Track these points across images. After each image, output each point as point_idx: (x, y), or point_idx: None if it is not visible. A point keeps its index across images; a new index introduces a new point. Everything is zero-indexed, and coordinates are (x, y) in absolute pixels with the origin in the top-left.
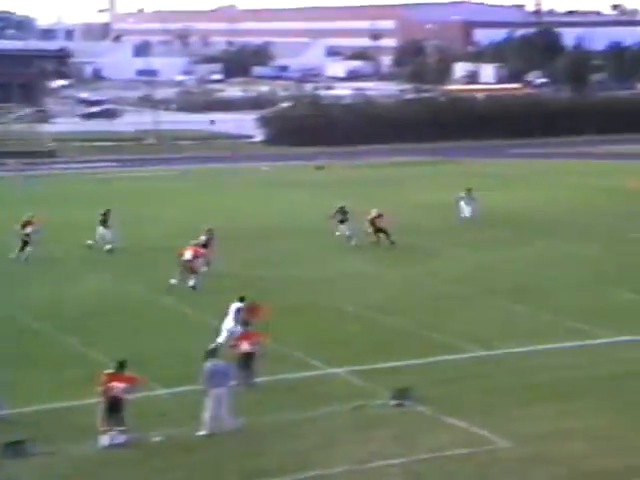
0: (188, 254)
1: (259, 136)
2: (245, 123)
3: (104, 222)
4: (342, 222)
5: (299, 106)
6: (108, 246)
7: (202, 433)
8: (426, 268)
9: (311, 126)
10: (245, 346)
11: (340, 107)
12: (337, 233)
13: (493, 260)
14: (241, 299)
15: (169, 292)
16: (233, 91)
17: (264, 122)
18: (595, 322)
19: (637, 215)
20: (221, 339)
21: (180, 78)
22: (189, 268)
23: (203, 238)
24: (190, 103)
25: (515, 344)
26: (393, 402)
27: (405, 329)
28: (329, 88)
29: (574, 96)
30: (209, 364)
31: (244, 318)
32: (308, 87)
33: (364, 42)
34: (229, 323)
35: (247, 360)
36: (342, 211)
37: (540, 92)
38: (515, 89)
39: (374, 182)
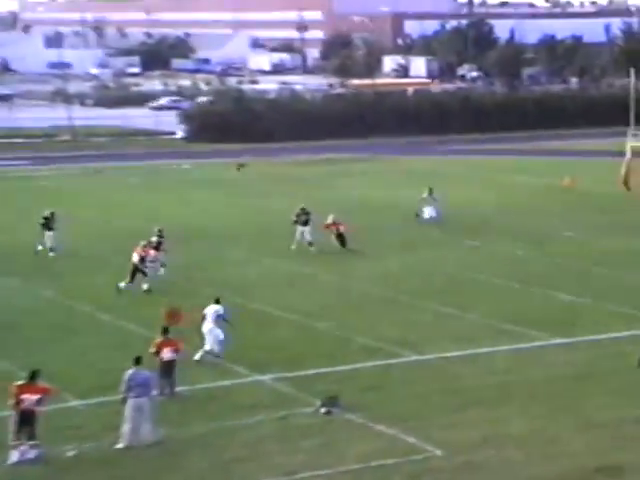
0: (135, 256)
1: (180, 133)
2: (165, 119)
3: (48, 226)
4: (306, 223)
5: (221, 101)
6: (51, 253)
7: (120, 446)
8: (355, 270)
9: (234, 122)
10: (166, 354)
11: (265, 102)
12: (297, 238)
13: (422, 261)
14: (217, 301)
15: (118, 295)
16: (151, 85)
17: (185, 118)
18: (528, 324)
19: (571, 214)
20: (208, 346)
21: (95, 71)
22: (138, 271)
23: (154, 239)
24: (106, 98)
25: (445, 348)
26: (321, 410)
27: (333, 333)
28: (253, 82)
29: (507, 90)
30: (131, 371)
31: (164, 325)
32: (231, 81)
33: (290, 34)
34: (208, 326)
35: (167, 368)
36: (304, 212)
37: (472, 86)
38: (427, 84)
39: (301, 181)
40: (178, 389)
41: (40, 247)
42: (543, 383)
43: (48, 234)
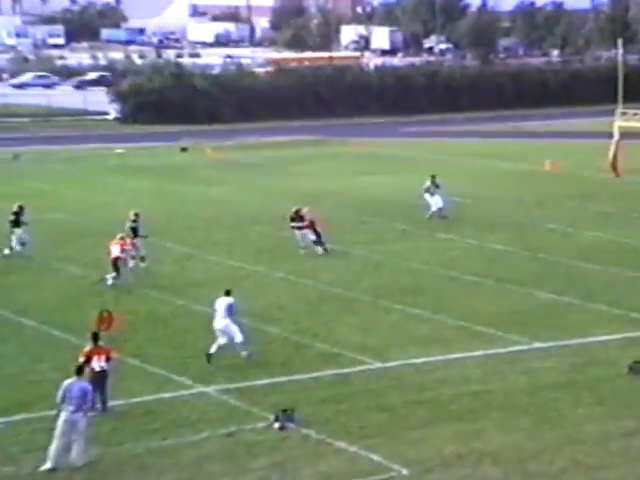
0: (116, 249)
1: (112, 113)
2: (95, 97)
3: (17, 222)
4: (300, 229)
5: (159, 77)
6: (19, 247)
7: (46, 467)
8: (312, 267)
9: (174, 101)
10: (96, 364)
11: (208, 78)
12: (300, 242)
13: (385, 257)
14: (227, 293)
15: (104, 289)
16: (78, 58)
17: (117, 96)
18: (506, 327)
19: (554, 203)
20: (222, 340)
21: (12, 42)
22: (116, 265)
23: (128, 226)
24: (25, 72)
25: (412, 354)
26: (274, 425)
27: (288, 339)
28: (194, 55)
29: (480, 64)
30: (68, 382)
31: (94, 330)
32: (169, 54)
33: (236, 1)
34: (222, 322)
35: (99, 380)
36: (298, 215)
37: (441, 60)
38: (355, 57)
39: (250, 167)
40: (111, 403)
41: (7, 251)
42: (523, 393)
43: (19, 231)
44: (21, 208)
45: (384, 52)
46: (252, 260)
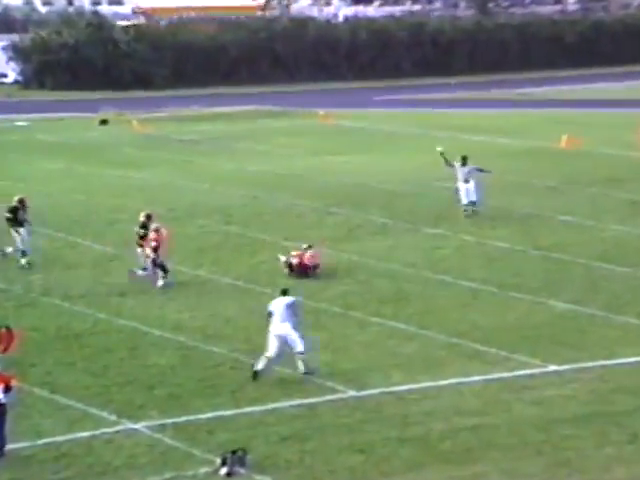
0: (149, 248)
1: (12, 75)
2: None
3: (15, 220)
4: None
5: (71, 30)
6: (23, 260)
7: None
8: (265, 269)
9: (91, 60)
10: None
11: (135, 32)
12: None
13: (359, 257)
14: (284, 292)
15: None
16: None
17: (17, 54)
18: (512, 345)
19: (572, 189)
20: (273, 351)
21: None
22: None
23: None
24: None
25: (394, 379)
26: (221, 471)
27: (239, 361)
28: (116, 2)
29: (476, 15)
30: None
31: None
32: (82, 0)
33: None
34: (282, 327)
35: None
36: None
37: (428, 10)
38: (249, 8)
39: (188, 144)
40: (11, 446)
41: (9, 249)
42: (533, 428)
43: (22, 231)
44: (22, 203)
45: (356, 0)
46: (192, 262)
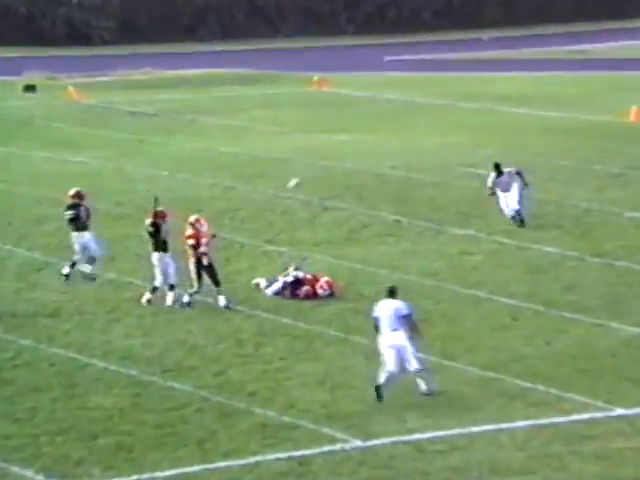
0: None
1: None
2: None
3: (78, 225)
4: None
5: None
6: (87, 267)
7: None
8: (242, 282)
9: (11, 7)
10: None
11: None
12: None
13: (363, 265)
14: (391, 292)
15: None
16: None
17: None
18: (565, 381)
19: (636, 175)
20: (392, 366)
21: None
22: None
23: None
24: None
25: (411, 425)
26: None
27: (205, 400)
28: None
29: None
30: None
31: None
32: None
33: None
34: (395, 337)
35: None
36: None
37: None
38: None
39: (138, 117)
40: None
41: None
42: None
43: (88, 236)
44: (80, 196)
45: None
46: (146, 272)
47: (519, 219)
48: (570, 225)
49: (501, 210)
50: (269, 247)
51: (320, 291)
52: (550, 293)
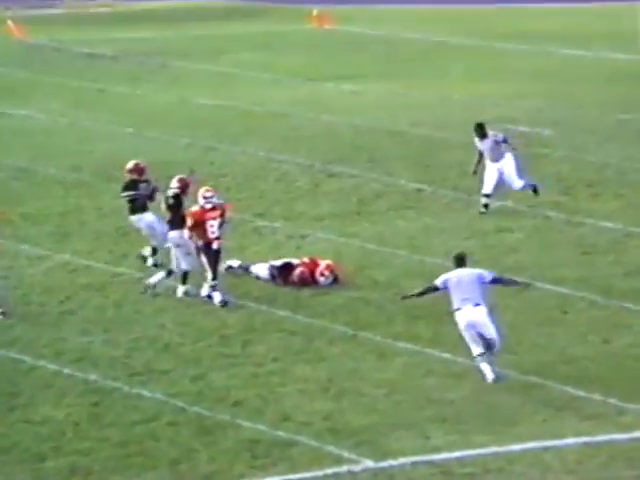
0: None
1: None
2: None
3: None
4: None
5: None
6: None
7: None
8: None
9: None
10: None
11: None
12: None
13: (376, 244)
14: (461, 259)
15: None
16: None
17: None
18: (624, 390)
19: None
20: (498, 344)
21: None
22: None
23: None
24: None
25: (435, 442)
26: None
27: (180, 412)
28: None
29: None
30: None
31: None
32: None
33: None
34: (476, 313)
35: None
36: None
37: None
38: None
39: (95, 60)
40: None
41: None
42: None
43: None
44: (139, 171)
45: None
46: (109, 254)
47: (531, 189)
48: (633, 194)
49: (482, 183)
50: (260, 222)
51: (321, 279)
52: (608, 279)
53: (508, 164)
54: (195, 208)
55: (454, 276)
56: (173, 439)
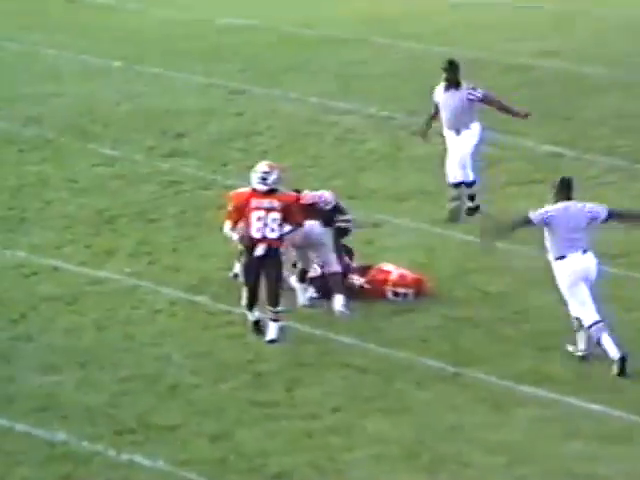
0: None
1: None
2: None
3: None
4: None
5: None
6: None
7: None
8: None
9: None
10: None
11: None
12: None
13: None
14: (567, 186)
15: None
16: None
17: None
18: None
19: None
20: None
21: None
22: None
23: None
24: None
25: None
26: None
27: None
28: None
29: None
30: None
31: None
32: None
33: None
34: (585, 260)
35: None
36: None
37: None
38: None
39: None
40: None
41: None
42: None
43: None
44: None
45: None
46: (79, 249)
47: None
48: None
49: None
50: None
51: (392, 296)
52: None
53: (466, 141)
54: (243, 189)
55: (558, 211)
56: None
